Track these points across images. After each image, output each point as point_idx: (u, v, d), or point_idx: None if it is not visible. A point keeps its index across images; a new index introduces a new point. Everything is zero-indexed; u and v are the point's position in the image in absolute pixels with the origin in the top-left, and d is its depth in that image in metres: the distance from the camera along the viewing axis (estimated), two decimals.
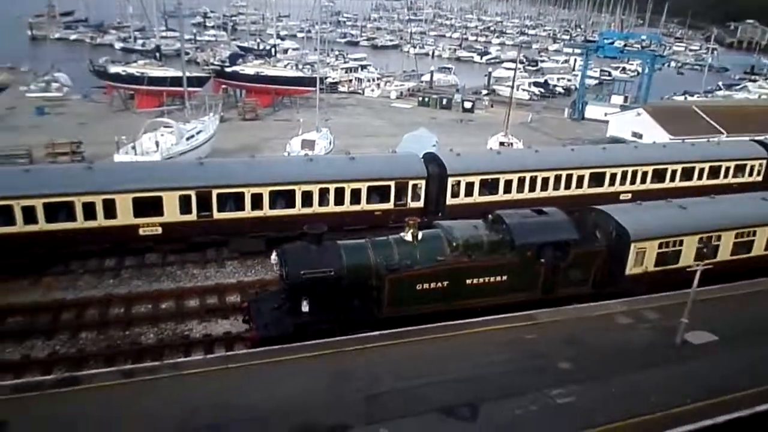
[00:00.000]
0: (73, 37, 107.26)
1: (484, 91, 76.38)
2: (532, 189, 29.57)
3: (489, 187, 28.80)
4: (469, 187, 28.27)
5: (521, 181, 29.29)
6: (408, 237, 18.75)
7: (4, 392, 14.31)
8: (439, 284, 18.31)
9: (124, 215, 23.63)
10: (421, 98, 68.18)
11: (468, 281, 18.61)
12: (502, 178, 28.91)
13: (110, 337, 20.25)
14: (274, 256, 18.20)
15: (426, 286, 18.19)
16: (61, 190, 23.03)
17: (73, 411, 13.69)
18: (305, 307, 17.61)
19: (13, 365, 18.35)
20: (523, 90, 73.53)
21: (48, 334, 19.96)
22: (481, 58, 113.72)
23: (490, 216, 20.08)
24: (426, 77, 79.50)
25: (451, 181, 27.85)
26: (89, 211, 23.21)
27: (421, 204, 27.63)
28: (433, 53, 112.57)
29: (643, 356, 16.90)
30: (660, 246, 21.04)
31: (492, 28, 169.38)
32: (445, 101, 65.82)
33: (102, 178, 23.80)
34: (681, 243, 21.36)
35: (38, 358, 18.80)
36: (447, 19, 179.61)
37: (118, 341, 20.01)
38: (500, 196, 28.73)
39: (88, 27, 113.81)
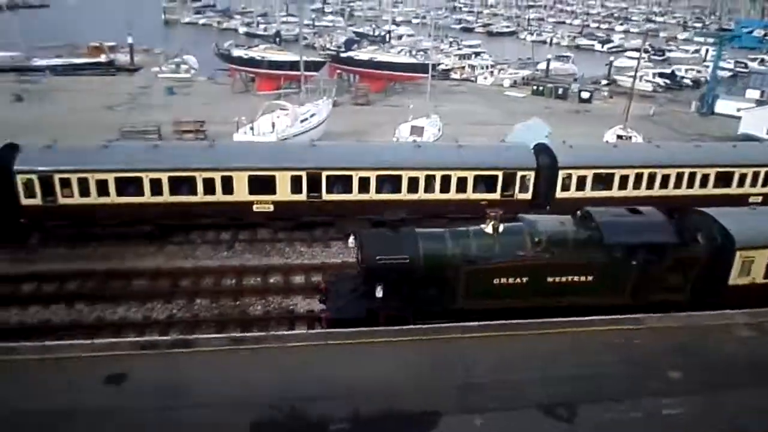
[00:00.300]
0: (201, 21, 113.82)
1: (604, 81, 72.87)
2: (650, 186, 27.94)
3: (603, 182, 27.54)
4: (581, 180, 27.19)
5: (638, 177, 27.75)
6: (488, 229, 18.04)
7: (127, 348, 15.65)
8: (518, 280, 17.59)
9: (240, 192, 24.90)
10: (535, 87, 66.21)
11: (549, 279, 17.69)
12: (618, 173, 27.53)
13: (222, 305, 21.50)
14: (351, 240, 18.31)
15: (504, 280, 17.53)
16: (184, 165, 24.66)
17: (185, 371, 14.71)
18: (379, 293, 17.47)
19: (136, 324, 19.97)
20: (647, 81, 69.37)
21: (167, 298, 21.50)
22: (603, 47, 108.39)
23: (578, 212, 19.06)
24: (542, 65, 77.05)
25: (561, 173, 26.92)
26: (209, 186, 24.69)
27: (528, 196, 26.94)
28: (551, 41, 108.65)
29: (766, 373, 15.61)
30: None
31: (616, 15, 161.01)
32: (561, 91, 63.50)
33: (221, 156, 25.18)
34: None
35: (157, 320, 20.32)
36: (567, 5, 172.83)
37: (229, 310, 21.20)
38: (615, 192, 27.41)
39: (215, 12, 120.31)
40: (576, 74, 75.46)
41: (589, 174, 27.18)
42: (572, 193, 27.11)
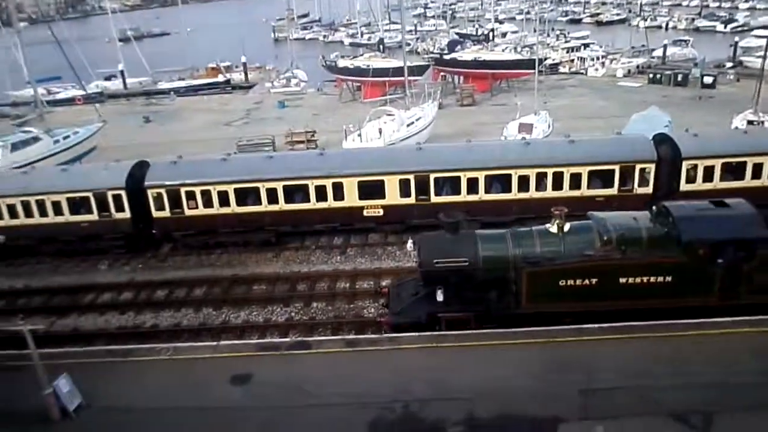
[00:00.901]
0: (308, 36, 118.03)
1: (729, 64, 67.43)
2: None
3: (734, 171, 25.35)
4: (708, 171, 25.21)
5: None
6: (553, 228, 17.04)
7: (251, 349, 16.42)
8: (586, 281, 16.38)
9: (351, 197, 25.43)
10: (651, 75, 62.39)
11: (621, 280, 16.34)
12: (750, 162, 25.25)
13: (337, 308, 22.02)
14: (410, 244, 17.98)
15: (570, 282, 16.41)
16: (297, 174, 25.57)
17: (303, 371, 15.25)
18: (440, 297, 17.12)
19: (258, 326, 20.90)
20: None
21: (285, 302, 22.34)
22: (725, 27, 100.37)
23: (654, 207, 17.48)
24: (658, 52, 72.62)
25: (686, 164, 25.10)
26: (321, 193, 25.44)
27: (649, 190, 25.36)
28: (667, 25, 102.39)
29: None
30: None
31: None
32: (680, 77, 59.37)
33: (332, 164, 25.85)
34: None
35: (277, 323, 21.16)
36: None
37: (344, 313, 21.68)
38: (747, 182, 25.15)
39: (321, 26, 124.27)
40: (696, 59, 70.43)
41: (718, 164, 25.13)
42: (699, 185, 25.20)
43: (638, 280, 16.45)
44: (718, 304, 16.71)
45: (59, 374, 14.08)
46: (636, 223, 17.04)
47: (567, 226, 17.14)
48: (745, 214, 16.79)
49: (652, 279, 16.46)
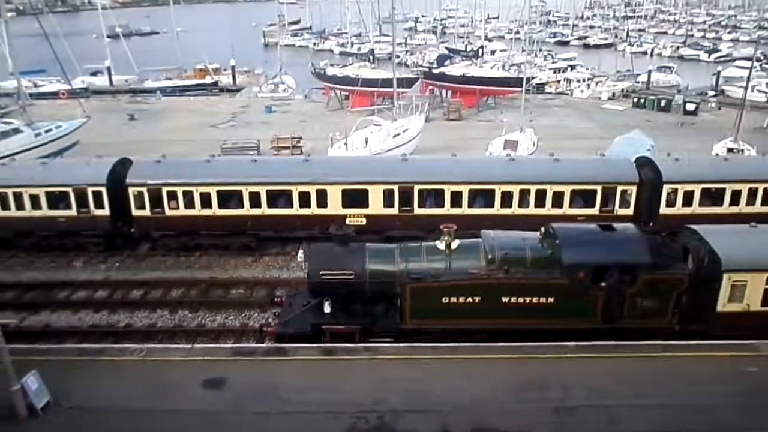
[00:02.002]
0: (298, 43, 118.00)
1: (711, 92, 68.77)
2: (765, 202, 25.87)
3: (712, 197, 25.77)
4: (688, 196, 25.58)
5: (752, 192, 25.75)
6: (441, 245, 17.13)
7: (225, 354, 16.22)
8: (470, 299, 16.52)
9: (334, 205, 25.34)
10: (635, 99, 63.40)
11: (504, 299, 16.50)
12: (729, 188, 25.68)
13: None
14: (300, 254, 17.93)
15: (454, 299, 16.53)
16: (281, 179, 25.44)
17: (279, 378, 15.07)
18: (327, 308, 17.18)
19: (233, 331, 20.66)
20: (759, 91, 64.63)
21: (262, 307, 22.12)
22: (709, 56, 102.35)
23: (542, 228, 17.72)
24: (642, 77, 73.84)
25: (666, 188, 25.45)
26: (304, 199, 25.31)
27: (630, 212, 25.64)
28: (652, 51, 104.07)
29: None
30: None
31: (723, 23, 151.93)
32: (663, 103, 60.38)
33: (316, 170, 25.76)
34: None
35: (254, 327, 20.92)
36: (670, 15, 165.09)
37: None
38: (725, 209, 25.55)
39: (311, 34, 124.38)
40: (680, 85, 71.75)
41: (697, 189, 25.52)
42: (678, 209, 25.57)
43: (521, 300, 16.59)
44: (600, 327, 16.88)
45: (28, 371, 13.76)
46: (523, 243, 17.17)
47: (455, 244, 17.22)
48: (629, 238, 17.06)
49: (535, 300, 16.61)
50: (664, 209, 25.54)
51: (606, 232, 17.26)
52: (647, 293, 16.65)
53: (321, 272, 17.07)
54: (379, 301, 17.56)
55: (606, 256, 16.53)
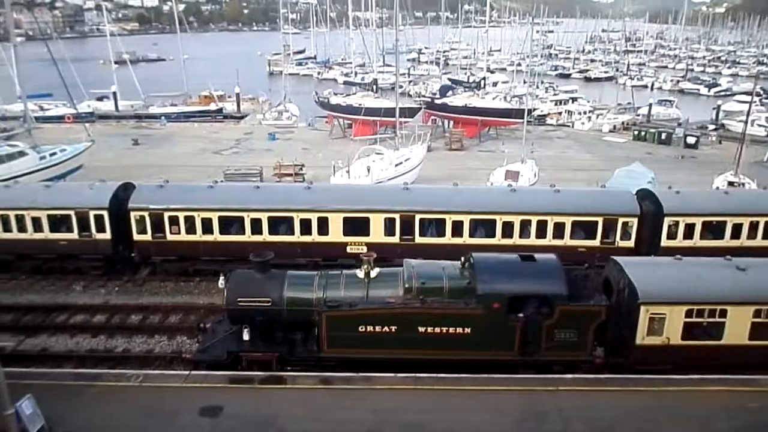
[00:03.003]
0: (302, 72, 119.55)
1: (711, 126, 69.29)
2: (767, 236, 25.86)
3: (714, 231, 25.77)
4: (689, 228, 25.59)
5: (753, 225, 25.75)
6: (360, 274, 17.19)
7: (222, 381, 16.07)
8: (386, 329, 16.44)
9: (335, 233, 25.34)
10: (636, 132, 63.89)
11: (421, 329, 16.40)
12: (730, 222, 25.70)
13: None
14: (221, 281, 17.78)
15: (370, 328, 16.45)
16: (283, 206, 25.50)
17: (276, 406, 14.92)
18: (246, 336, 17.04)
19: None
20: (759, 125, 65.22)
21: None
22: (709, 90, 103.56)
23: (462, 258, 17.72)
24: (643, 110, 74.49)
25: (667, 221, 25.47)
26: (306, 226, 25.33)
27: (631, 244, 25.63)
28: (653, 85, 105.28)
29: None
30: (689, 314, 16.58)
31: (723, 58, 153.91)
32: (664, 136, 60.84)
33: (318, 198, 25.84)
34: (724, 314, 16.58)
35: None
36: (670, 50, 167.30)
37: None
38: (727, 242, 25.53)
39: (316, 63, 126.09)
40: (680, 119, 72.36)
41: (698, 222, 25.54)
42: (679, 241, 25.55)
43: (438, 330, 16.49)
44: (519, 359, 16.79)
45: (23, 395, 13.63)
46: (442, 272, 17.14)
47: (375, 272, 17.24)
48: (546, 269, 16.94)
49: (452, 330, 16.52)
50: (665, 242, 25.51)
51: (525, 263, 17.21)
52: (565, 325, 16.53)
53: (238, 299, 17.02)
54: (298, 329, 17.48)
55: (521, 286, 16.48)
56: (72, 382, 16.00)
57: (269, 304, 16.95)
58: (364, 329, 16.49)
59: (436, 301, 16.56)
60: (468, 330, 16.45)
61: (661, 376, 16.26)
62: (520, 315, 16.40)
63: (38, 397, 13.85)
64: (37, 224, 25.34)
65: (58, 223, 25.42)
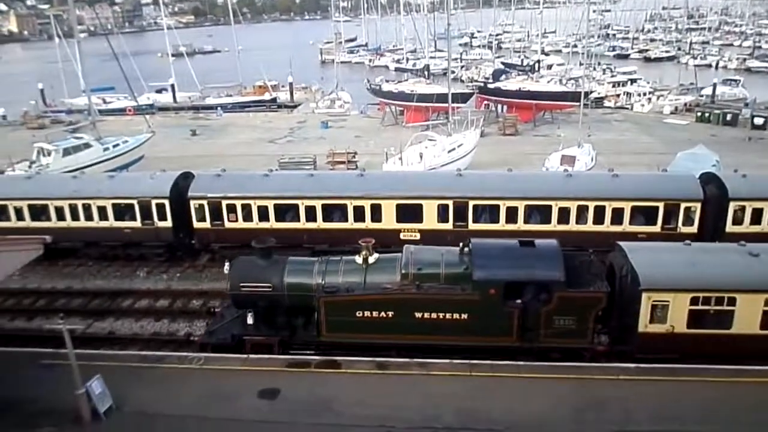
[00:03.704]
0: (354, 60, 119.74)
1: None
2: None
3: None
4: (757, 213, 24.43)
5: None
6: (359, 260, 17.37)
7: (280, 364, 16.42)
8: (383, 314, 16.54)
9: (388, 219, 25.41)
10: (699, 113, 61.26)
11: (417, 315, 16.44)
12: None
13: None
14: (227, 267, 18.11)
15: (367, 314, 16.61)
16: (337, 193, 25.72)
17: (332, 390, 15.14)
18: (250, 320, 17.61)
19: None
20: None
21: None
22: None
23: (461, 244, 17.34)
24: (707, 91, 71.37)
25: (733, 205, 24.40)
26: (359, 213, 25.49)
27: (694, 229, 24.67)
28: (717, 64, 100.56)
29: None
30: (694, 302, 15.88)
31: None
32: (729, 117, 58.13)
33: (371, 185, 25.94)
34: (733, 302, 15.75)
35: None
36: (736, 26, 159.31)
37: None
38: None
39: (367, 51, 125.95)
40: (747, 99, 68.97)
41: (767, 207, 24.40)
42: (746, 227, 24.44)
43: (434, 315, 16.52)
44: (517, 345, 16.58)
45: (93, 375, 14.29)
46: (440, 258, 17.08)
47: (373, 258, 17.39)
48: (545, 255, 16.61)
49: (448, 315, 16.49)
50: (730, 227, 24.47)
51: (523, 248, 17.02)
52: (564, 311, 16.28)
53: (241, 284, 17.52)
54: (299, 313, 17.87)
55: (517, 272, 16.32)
56: (138, 363, 16.68)
57: (270, 289, 17.44)
58: (361, 314, 16.77)
59: (433, 287, 16.67)
60: (465, 316, 16.52)
61: (732, 367, 15.61)
62: (518, 301, 16.33)
63: (106, 378, 14.51)
64: (102, 213, 26.41)
65: (122, 211, 26.43)
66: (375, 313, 16.72)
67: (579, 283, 16.49)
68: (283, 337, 17.55)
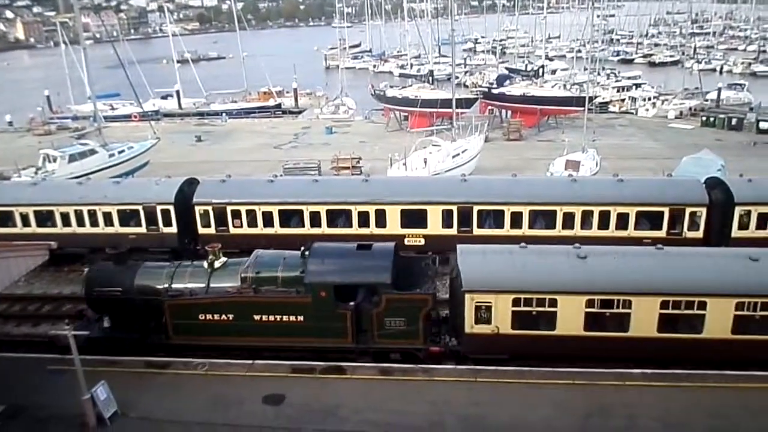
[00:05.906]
0: (358, 66, 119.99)
1: None
2: None
3: None
4: (763, 218, 24.32)
5: None
6: (205, 264, 17.99)
7: (285, 370, 16.43)
8: (224, 317, 17.11)
9: (393, 225, 25.40)
10: (704, 118, 61.14)
11: (256, 317, 16.97)
12: None
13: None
14: (85, 272, 18.69)
15: (209, 317, 17.19)
16: (341, 199, 25.74)
17: (336, 396, 15.13)
18: (106, 323, 18.03)
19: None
20: None
21: None
22: None
23: (303, 248, 17.73)
24: (712, 95, 71.23)
25: (739, 210, 24.30)
26: (363, 219, 25.50)
27: (699, 234, 24.61)
28: (722, 68, 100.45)
29: None
30: (516, 303, 16.11)
31: None
32: (734, 121, 57.98)
33: (376, 191, 25.95)
34: (555, 303, 15.96)
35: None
36: (740, 31, 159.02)
37: None
38: None
39: (371, 56, 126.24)
40: (752, 103, 68.80)
41: None
42: (752, 232, 24.36)
43: (272, 318, 17.03)
44: (353, 346, 16.98)
45: (98, 381, 14.32)
46: (281, 261, 17.59)
47: (219, 263, 18.06)
48: (377, 258, 17.09)
49: (285, 318, 16.96)
50: (736, 232, 24.39)
51: (359, 251, 17.57)
52: (393, 313, 16.73)
53: (94, 289, 18.05)
54: (152, 317, 18.15)
55: (345, 275, 16.76)
56: (143, 369, 16.70)
57: (119, 293, 17.85)
58: (204, 317, 17.30)
59: (270, 290, 17.21)
60: (301, 318, 16.99)
61: (737, 372, 15.53)
62: (351, 303, 16.76)
63: (111, 384, 14.54)
64: (108, 219, 26.49)
65: (128, 217, 26.49)
66: (216, 316, 17.28)
67: (408, 285, 17.04)
68: (135, 339, 17.93)
